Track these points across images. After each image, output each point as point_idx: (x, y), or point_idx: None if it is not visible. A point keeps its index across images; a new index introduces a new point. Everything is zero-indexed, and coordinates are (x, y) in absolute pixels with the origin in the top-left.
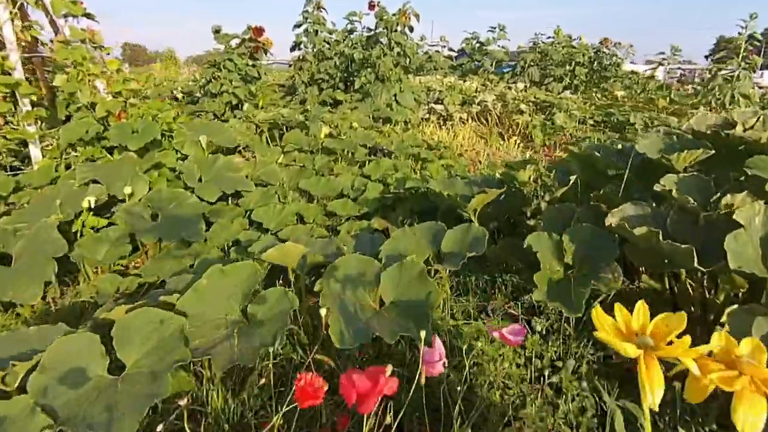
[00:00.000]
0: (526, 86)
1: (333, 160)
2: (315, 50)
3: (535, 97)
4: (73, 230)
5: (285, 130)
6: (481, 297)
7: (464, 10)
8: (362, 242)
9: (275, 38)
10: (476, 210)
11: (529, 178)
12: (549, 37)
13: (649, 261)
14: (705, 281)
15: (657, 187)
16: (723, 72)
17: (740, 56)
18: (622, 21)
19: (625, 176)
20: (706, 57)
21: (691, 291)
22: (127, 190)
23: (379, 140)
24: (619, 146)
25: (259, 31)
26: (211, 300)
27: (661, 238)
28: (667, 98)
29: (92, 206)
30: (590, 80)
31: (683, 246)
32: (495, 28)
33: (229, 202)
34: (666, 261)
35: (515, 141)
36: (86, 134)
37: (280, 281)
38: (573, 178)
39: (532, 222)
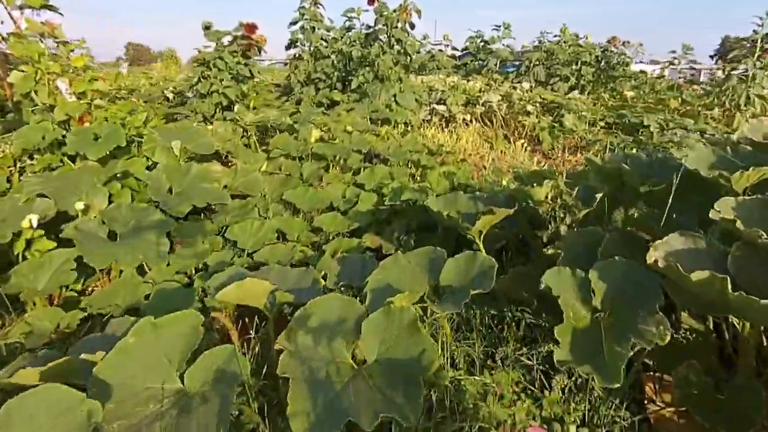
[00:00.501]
0: (531, 86)
1: (323, 168)
2: (311, 48)
3: (541, 98)
4: (16, 252)
5: (276, 133)
6: (487, 337)
7: (464, 9)
8: (349, 268)
9: (275, 38)
10: (482, 232)
11: (547, 196)
12: (555, 36)
13: (700, 306)
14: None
15: (713, 215)
16: (737, 72)
17: (755, 55)
18: (622, 20)
19: (670, 199)
20: (711, 57)
21: (747, 339)
22: (79, 205)
23: (376, 145)
24: (648, 156)
25: (252, 27)
26: (141, 364)
27: (730, 287)
28: (679, 99)
29: (35, 225)
30: (597, 80)
31: (762, 302)
32: (499, 26)
33: (204, 216)
34: (726, 309)
35: (522, 144)
36: (43, 140)
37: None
38: (599, 196)
39: (550, 251)
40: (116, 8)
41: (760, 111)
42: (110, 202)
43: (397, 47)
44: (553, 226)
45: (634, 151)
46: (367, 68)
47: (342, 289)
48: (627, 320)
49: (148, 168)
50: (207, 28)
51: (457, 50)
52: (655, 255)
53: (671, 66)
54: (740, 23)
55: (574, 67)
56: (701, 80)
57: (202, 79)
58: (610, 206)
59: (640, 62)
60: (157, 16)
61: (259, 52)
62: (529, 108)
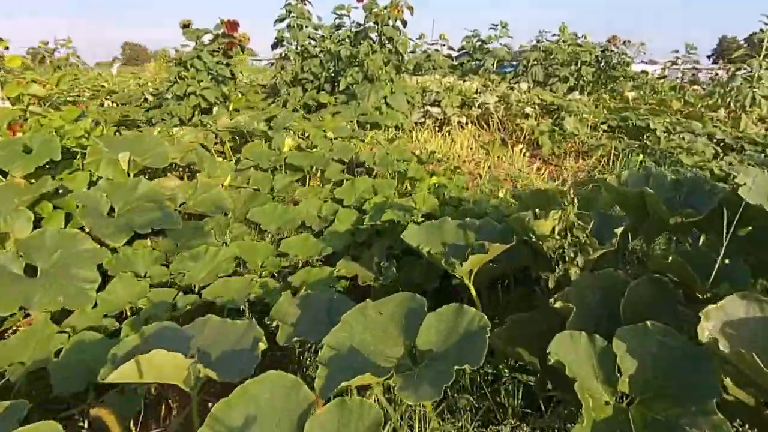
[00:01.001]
0: (529, 87)
1: (298, 180)
2: (299, 47)
3: (540, 99)
4: None
5: (252, 139)
6: (481, 408)
7: (465, 11)
8: (312, 313)
9: (265, 37)
10: (472, 270)
11: (553, 230)
12: (553, 35)
13: (761, 392)
14: None
15: None
16: (741, 72)
17: (761, 55)
18: (608, 21)
19: (724, 243)
20: (709, 57)
21: None
22: None
23: (360, 153)
24: (674, 175)
25: (233, 25)
26: None
27: None
28: (681, 100)
29: None
30: (597, 80)
31: None
32: (497, 25)
33: (151, 241)
34: None
35: (520, 150)
36: None
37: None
38: (619, 231)
39: (558, 304)
40: (120, 8)
41: (767, 112)
42: (40, 226)
43: (388, 46)
44: (561, 267)
45: (641, 157)
46: (356, 68)
47: (298, 345)
48: (668, 417)
49: (92, 184)
50: (186, 26)
51: (454, 50)
52: (708, 327)
53: (674, 66)
54: (734, 23)
55: (573, 67)
56: (701, 81)
57: (178, 80)
58: (628, 237)
59: (641, 62)
60: (156, 15)
61: (242, 51)
62: (528, 110)
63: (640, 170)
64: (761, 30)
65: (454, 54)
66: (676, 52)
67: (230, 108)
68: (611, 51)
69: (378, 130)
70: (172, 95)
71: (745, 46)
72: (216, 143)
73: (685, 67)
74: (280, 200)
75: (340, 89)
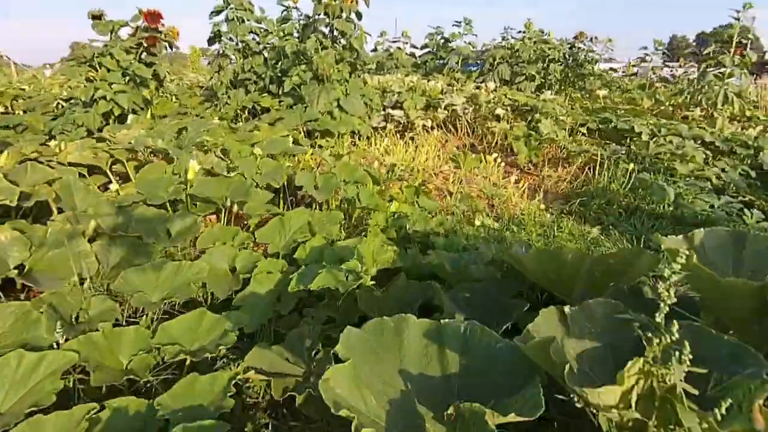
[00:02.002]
0: (496, 86)
1: (206, 217)
2: (240, 43)
3: (511, 99)
4: None
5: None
6: None
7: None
8: None
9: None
10: None
11: (627, 397)
12: (519, 32)
13: None
14: None
15: None
16: (711, 69)
17: (731, 51)
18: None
19: None
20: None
21: None
22: None
23: (299, 173)
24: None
25: (155, 16)
26: None
27: None
28: (652, 98)
29: None
30: (565, 78)
31: None
32: (460, 22)
33: None
34: None
35: (495, 159)
36: None
37: None
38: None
39: None
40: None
41: (738, 111)
42: None
43: (342, 41)
44: None
45: (631, 166)
46: (304, 67)
47: None
48: None
49: None
50: (96, 17)
51: (417, 48)
52: None
53: (642, 63)
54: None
55: (540, 65)
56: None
57: (86, 83)
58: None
59: (611, 59)
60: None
61: (170, 48)
62: (499, 111)
63: (720, 226)
64: (730, 25)
65: (418, 52)
66: (645, 48)
67: (149, 116)
68: (578, 48)
69: (330, 138)
70: (77, 101)
71: (694, 44)
72: (109, 163)
73: (653, 64)
74: (174, 252)
75: (284, 91)
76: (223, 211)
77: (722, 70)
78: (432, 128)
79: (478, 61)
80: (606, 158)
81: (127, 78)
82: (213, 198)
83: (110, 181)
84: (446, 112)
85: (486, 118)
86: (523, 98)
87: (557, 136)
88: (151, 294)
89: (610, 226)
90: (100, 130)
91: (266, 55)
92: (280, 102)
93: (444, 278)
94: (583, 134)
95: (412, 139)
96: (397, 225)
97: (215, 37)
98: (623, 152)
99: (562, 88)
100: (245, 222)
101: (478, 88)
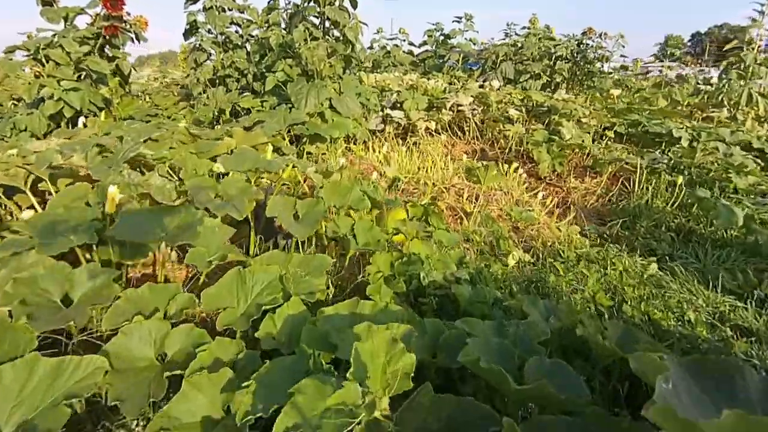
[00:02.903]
0: (501, 85)
1: (131, 266)
2: (220, 36)
3: (524, 99)
4: None
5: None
6: None
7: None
8: None
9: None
10: None
11: None
12: (523, 28)
13: None
14: None
15: None
16: (734, 67)
17: (755, 48)
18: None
19: None
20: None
21: None
22: None
23: (270, 201)
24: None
25: (116, 2)
26: None
27: None
28: (668, 98)
29: None
30: (573, 77)
31: None
32: (461, 18)
33: None
34: None
35: (515, 170)
36: None
37: None
38: None
39: None
40: None
41: (763, 111)
42: None
43: (334, 33)
44: None
45: (680, 179)
46: (290, 61)
47: None
48: None
49: None
50: (46, 2)
51: (415, 45)
52: None
53: (659, 61)
54: (675, 25)
55: (546, 62)
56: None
57: (34, 79)
58: None
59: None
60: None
61: (137, 40)
62: (512, 113)
63: None
64: (753, 20)
65: (416, 50)
66: (660, 44)
67: (104, 117)
68: (587, 45)
69: (321, 144)
70: (20, 101)
71: (689, 45)
72: (25, 181)
73: (668, 63)
74: (73, 332)
75: (267, 89)
76: (161, 258)
77: (742, 68)
78: (436, 131)
79: (479, 60)
80: (642, 168)
81: (82, 74)
82: (143, 240)
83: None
84: (451, 113)
85: (497, 120)
86: (539, 97)
87: (584, 141)
88: (9, 416)
89: (666, 257)
90: (47, 133)
91: (249, 48)
92: (262, 102)
93: (493, 384)
94: (610, 139)
95: (414, 144)
96: (407, 272)
97: (191, 29)
98: (664, 161)
99: (570, 87)
100: (194, 274)
101: (481, 86)
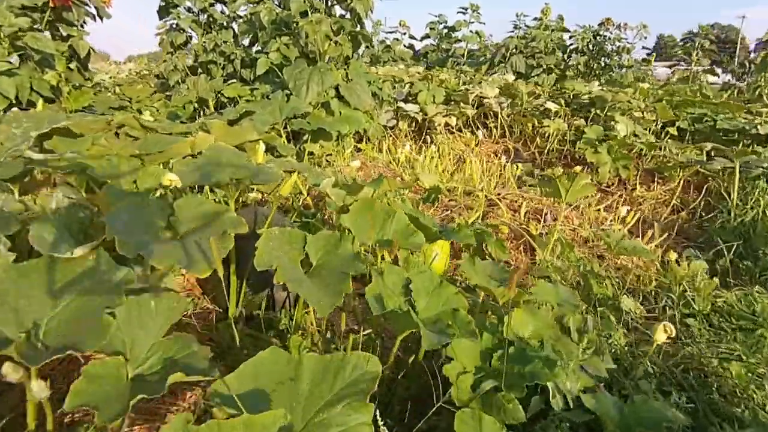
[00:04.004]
0: (514, 79)
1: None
2: (202, 14)
3: (564, 90)
4: None
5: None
6: None
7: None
8: None
9: None
10: None
11: None
12: (534, 19)
13: None
14: None
15: None
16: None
17: None
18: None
19: None
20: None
21: None
22: None
23: (261, 234)
24: None
25: None
26: None
27: None
28: (696, 93)
29: None
30: (591, 71)
31: None
32: (466, 8)
33: None
34: None
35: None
36: None
37: None
38: None
39: None
40: None
41: None
42: None
43: (338, 10)
44: None
45: None
46: (286, 39)
47: None
48: None
49: None
50: None
51: (416, 39)
52: None
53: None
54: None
55: (560, 54)
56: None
57: None
58: None
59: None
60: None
61: (99, 18)
62: (551, 106)
63: None
64: None
65: (417, 45)
66: (690, 33)
67: (41, 107)
68: (604, 37)
69: (325, 142)
70: None
71: (681, 44)
72: None
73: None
74: None
75: (258, 73)
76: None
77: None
78: (457, 128)
79: (491, 55)
80: (717, 173)
81: (21, 54)
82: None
83: None
84: (471, 106)
85: (528, 114)
86: (581, 88)
87: (644, 137)
88: None
89: None
90: None
91: (236, 29)
92: (252, 91)
93: None
94: (672, 136)
95: (435, 145)
96: (516, 374)
97: (167, 6)
98: (764, 165)
99: (586, 81)
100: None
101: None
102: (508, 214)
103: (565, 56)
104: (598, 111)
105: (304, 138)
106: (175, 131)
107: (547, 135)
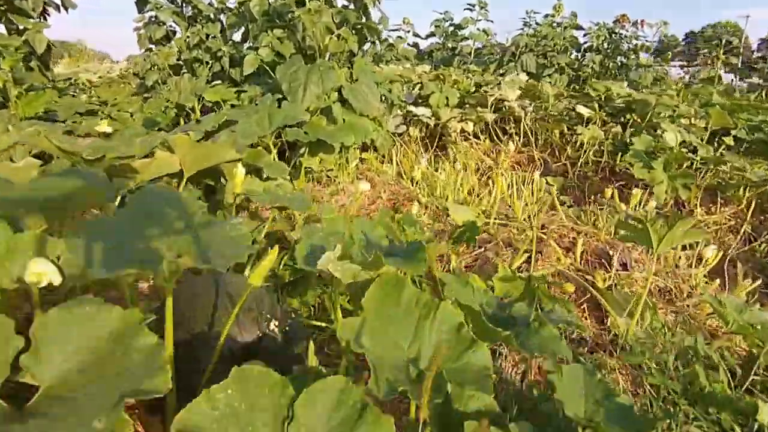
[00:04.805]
0: (527, 80)
1: None
2: (186, 6)
3: (597, 92)
4: None
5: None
6: None
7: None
8: None
9: None
10: None
11: None
12: (546, 16)
13: None
14: None
15: None
16: None
17: None
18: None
19: None
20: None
21: None
22: None
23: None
24: None
25: None
26: None
27: None
28: (724, 96)
29: None
30: (606, 71)
31: None
32: (473, 5)
33: None
34: None
35: (638, 195)
36: None
37: None
38: None
39: None
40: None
41: None
42: None
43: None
44: None
45: None
46: (279, 32)
47: None
48: None
49: None
50: None
51: (420, 37)
52: None
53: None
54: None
55: (573, 54)
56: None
57: None
58: None
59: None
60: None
61: (64, 8)
62: (582, 110)
63: None
64: None
65: (422, 43)
66: (692, 33)
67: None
68: (620, 34)
69: (326, 155)
70: None
71: (683, 44)
72: None
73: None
74: None
75: (245, 73)
76: None
77: None
78: (474, 134)
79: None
80: None
81: None
82: None
83: None
84: (489, 110)
85: (553, 119)
86: (619, 89)
87: (707, 152)
88: None
89: None
90: None
91: (224, 22)
92: (239, 94)
93: None
94: (727, 147)
95: (443, 149)
96: None
97: None
98: None
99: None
100: None
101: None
102: (559, 254)
103: (579, 55)
104: (636, 116)
105: (301, 150)
106: (127, 152)
107: (577, 143)
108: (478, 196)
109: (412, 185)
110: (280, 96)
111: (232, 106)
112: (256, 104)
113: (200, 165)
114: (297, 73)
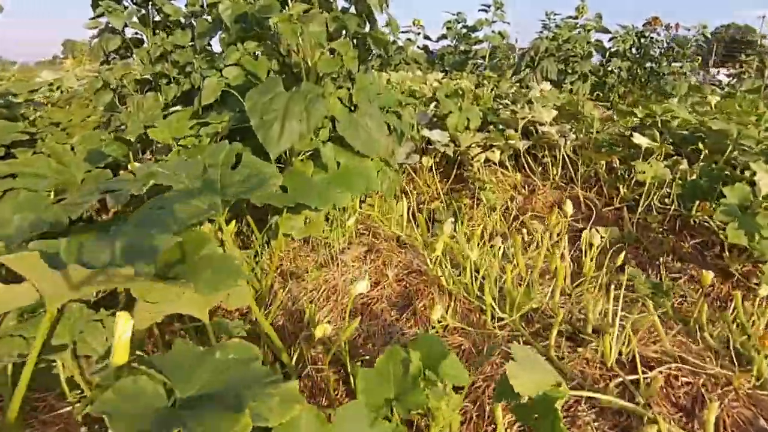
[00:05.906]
0: (550, 88)
1: None
2: (151, 9)
3: (655, 114)
4: None
5: None
6: None
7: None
8: None
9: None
10: None
11: None
12: (568, 18)
13: None
14: None
15: None
16: None
17: None
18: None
19: None
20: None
21: None
22: None
23: None
24: None
25: None
26: None
27: None
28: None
29: None
30: (635, 79)
31: None
32: (488, 6)
33: None
34: None
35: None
36: None
37: None
38: None
39: None
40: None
41: None
42: None
43: (338, 4)
44: None
45: None
46: (253, 44)
47: None
48: None
49: None
50: None
51: (431, 39)
52: None
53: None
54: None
55: (598, 60)
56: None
57: None
58: None
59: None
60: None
61: None
62: (640, 140)
63: None
64: None
65: (433, 46)
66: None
67: None
68: (651, 39)
69: (313, 213)
70: None
71: (694, 46)
72: None
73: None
74: None
75: (204, 102)
76: None
77: None
78: (501, 163)
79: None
80: None
81: None
82: None
83: None
84: (520, 136)
85: (599, 148)
86: (685, 114)
87: None
88: None
89: None
90: None
91: (197, 28)
92: (201, 126)
93: None
94: None
95: (462, 181)
96: None
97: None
98: None
99: (628, 91)
100: None
101: (523, 88)
102: (672, 404)
103: (606, 60)
104: (697, 146)
105: (267, 221)
106: None
107: (633, 180)
108: (529, 270)
109: (430, 262)
110: (249, 130)
111: (181, 149)
112: (222, 136)
113: (75, 294)
114: (272, 101)
